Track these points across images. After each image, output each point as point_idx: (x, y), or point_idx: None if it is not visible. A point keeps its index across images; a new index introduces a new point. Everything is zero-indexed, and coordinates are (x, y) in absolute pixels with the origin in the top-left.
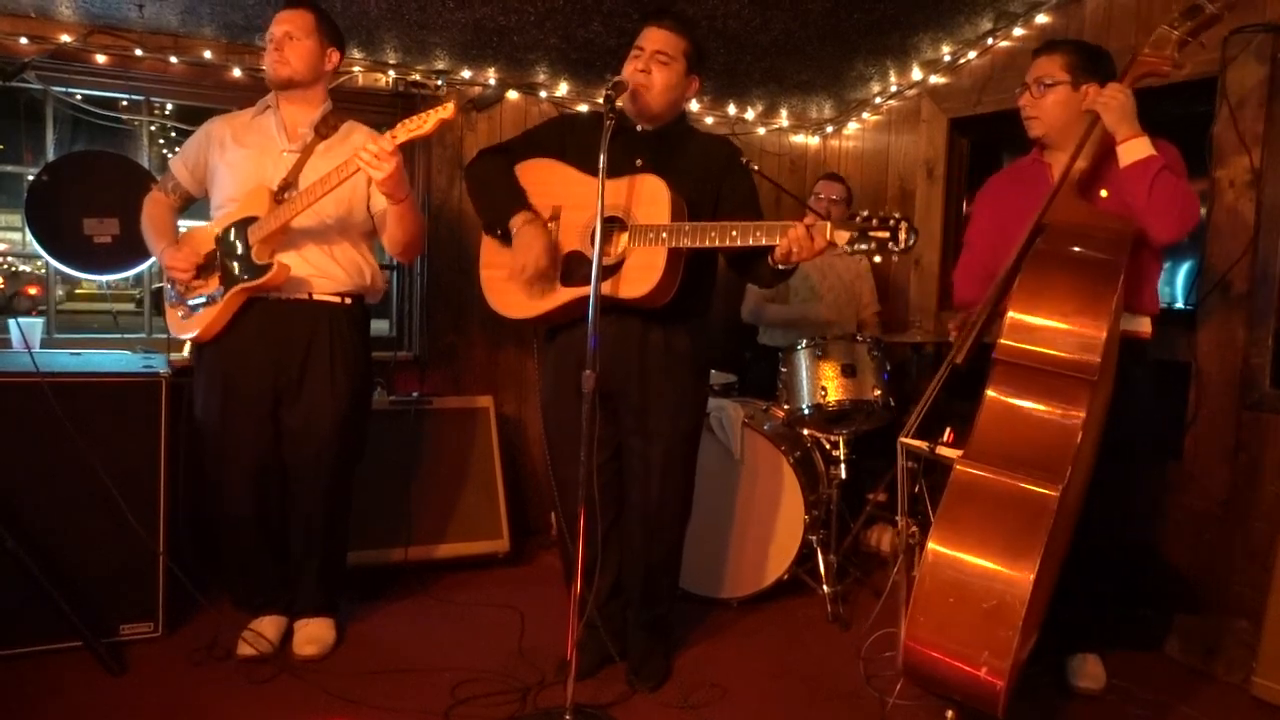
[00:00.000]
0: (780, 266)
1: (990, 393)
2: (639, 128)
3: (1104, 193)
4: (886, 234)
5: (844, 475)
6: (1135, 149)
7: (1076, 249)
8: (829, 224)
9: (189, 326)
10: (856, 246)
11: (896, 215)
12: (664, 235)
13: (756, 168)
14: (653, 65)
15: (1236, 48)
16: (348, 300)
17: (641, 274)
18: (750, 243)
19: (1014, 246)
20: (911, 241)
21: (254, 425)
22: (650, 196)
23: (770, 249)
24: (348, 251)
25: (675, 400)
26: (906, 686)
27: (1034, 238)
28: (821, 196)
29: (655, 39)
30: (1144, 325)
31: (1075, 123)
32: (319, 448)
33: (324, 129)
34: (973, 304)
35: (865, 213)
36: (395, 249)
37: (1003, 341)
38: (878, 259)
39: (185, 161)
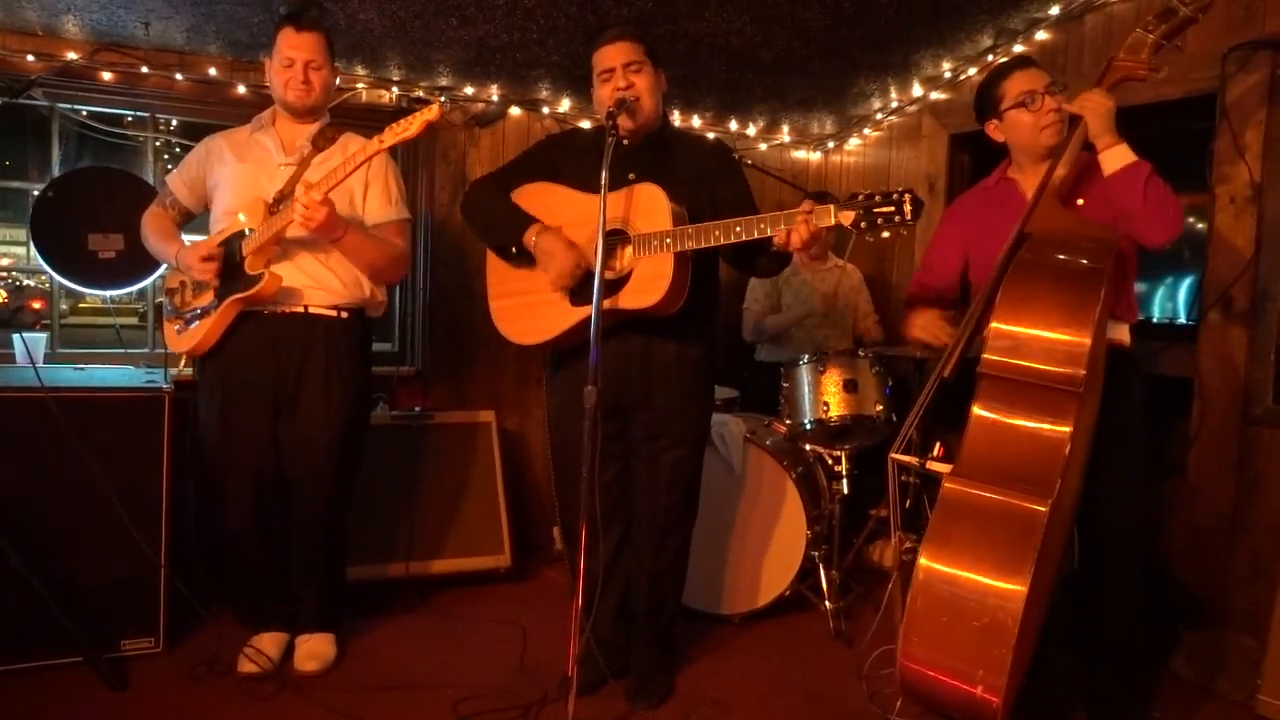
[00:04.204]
0: (776, 251)
1: (977, 408)
2: (625, 142)
3: (1081, 201)
4: (891, 208)
5: (846, 490)
6: (1118, 155)
7: (1060, 257)
8: (833, 206)
9: (185, 340)
10: (862, 225)
11: (900, 189)
12: (668, 241)
13: (750, 162)
14: (630, 77)
15: (1236, 63)
16: (344, 314)
17: (650, 283)
18: (755, 235)
19: (989, 264)
20: (918, 211)
21: (253, 438)
22: (649, 205)
23: (768, 241)
24: (345, 263)
25: (687, 409)
26: (908, 704)
27: (1017, 248)
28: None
29: (617, 54)
30: (1123, 333)
31: None
32: (315, 462)
33: (321, 141)
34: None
35: (868, 190)
36: (364, 276)
37: (987, 355)
38: (886, 234)
39: (184, 178)
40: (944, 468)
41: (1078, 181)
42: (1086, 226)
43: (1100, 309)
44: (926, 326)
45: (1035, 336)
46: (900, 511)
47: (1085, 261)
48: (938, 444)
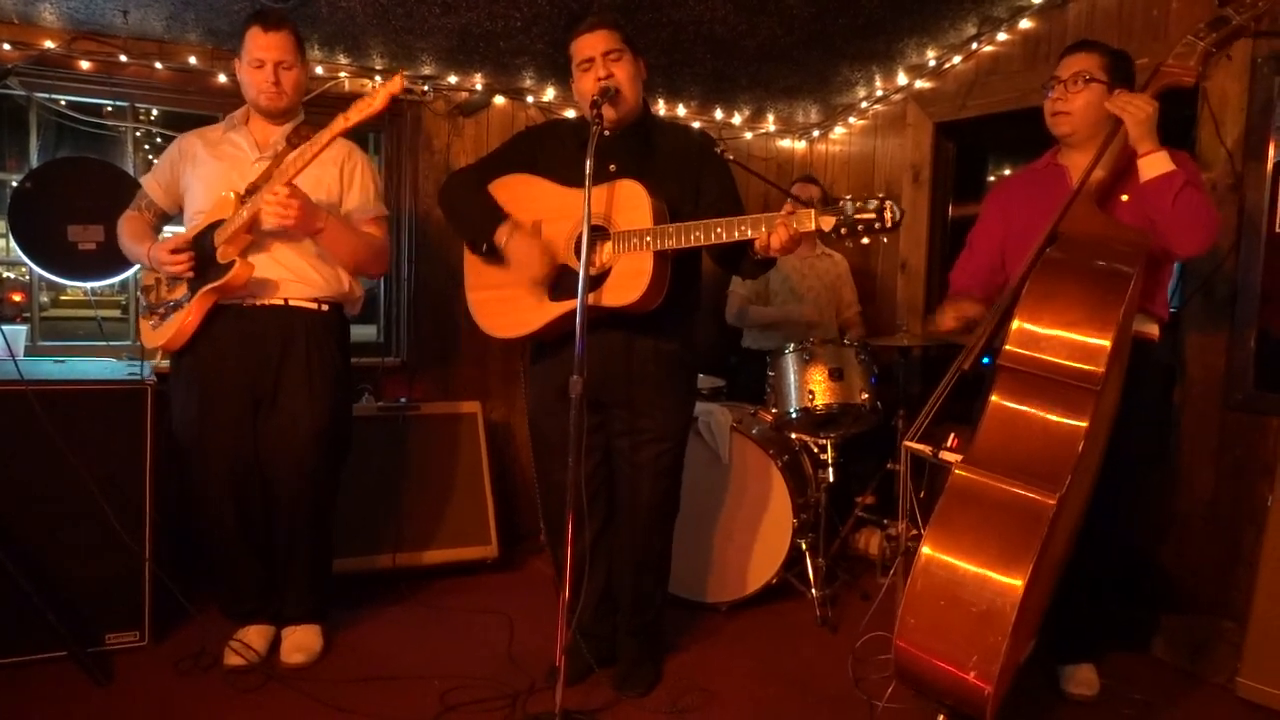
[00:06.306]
0: (759, 257)
1: (994, 398)
2: (606, 132)
3: (1124, 197)
4: (872, 215)
5: (832, 479)
6: (1156, 163)
7: (1088, 259)
8: (814, 210)
9: (160, 335)
10: (842, 231)
11: (880, 196)
12: (648, 239)
13: (731, 157)
14: (610, 66)
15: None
16: (324, 307)
17: (629, 280)
18: (735, 237)
19: (1027, 250)
20: (898, 219)
21: (232, 433)
22: (630, 201)
23: (750, 243)
24: (323, 257)
25: (665, 402)
26: (896, 690)
27: (1047, 246)
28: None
29: (597, 43)
30: (1152, 327)
31: (1101, 125)
32: (299, 455)
33: (296, 139)
34: (966, 290)
35: (849, 196)
36: (346, 270)
37: (1008, 348)
38: (865, 240)
39: (158, 179)
40: (956, 458)
41: (1120, 179)
42: (1118, 229)
43: (1124, 311)
44: (956, 310)
45: (1056, 335)
46: (904, 500)
47: (1113, 263)
48: (952, 435)
